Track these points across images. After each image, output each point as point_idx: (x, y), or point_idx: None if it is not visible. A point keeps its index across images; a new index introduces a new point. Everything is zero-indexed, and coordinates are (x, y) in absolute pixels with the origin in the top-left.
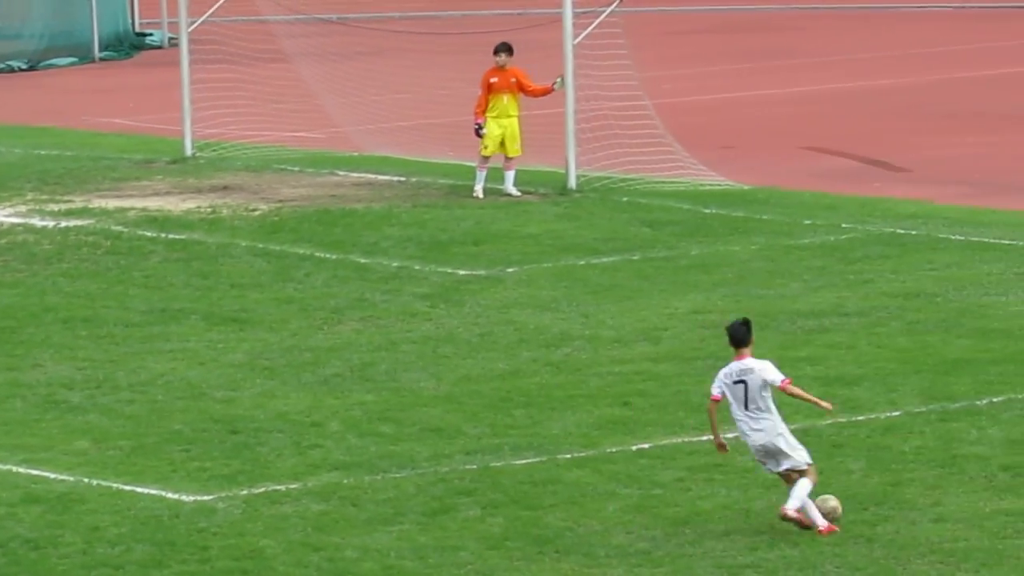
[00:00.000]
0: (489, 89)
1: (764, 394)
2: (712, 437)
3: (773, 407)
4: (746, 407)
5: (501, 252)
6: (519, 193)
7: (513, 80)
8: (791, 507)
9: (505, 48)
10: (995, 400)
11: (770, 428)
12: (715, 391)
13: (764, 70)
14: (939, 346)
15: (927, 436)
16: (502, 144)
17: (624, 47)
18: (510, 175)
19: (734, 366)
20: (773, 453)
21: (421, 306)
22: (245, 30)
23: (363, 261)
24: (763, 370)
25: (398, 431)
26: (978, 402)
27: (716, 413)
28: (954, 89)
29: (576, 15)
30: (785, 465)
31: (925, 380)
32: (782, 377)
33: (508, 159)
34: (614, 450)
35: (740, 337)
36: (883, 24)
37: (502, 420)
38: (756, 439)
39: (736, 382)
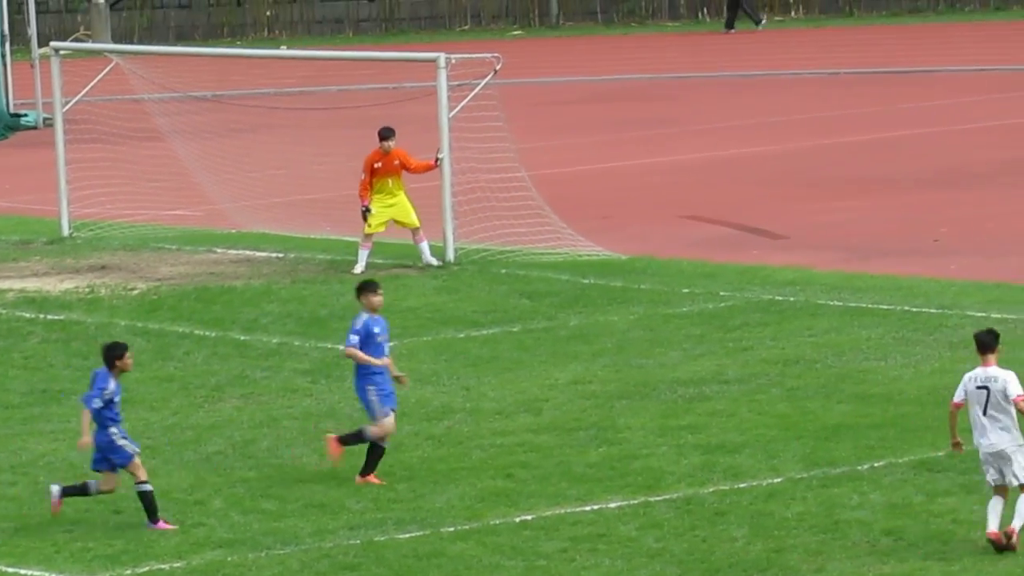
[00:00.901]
0: (373, 173)
1: (1005, 402)
2: (950, 437)
3: (1014, 416)
4: (985, 412)
5: None
6: (438, 262)
7: (397, 162)
8: (1017, 525)
9: (391, 133)
10: (876, 465)
11: (1008, 437)
12: (957, 396)
13: (640, 139)
14: (819, 412)
15: (809, 502)
16: (394, 220)
17: (500, 119)
18: (423, 246)
19: (979, 372)
20: (1004, 461)
21: (302, 382)
22: (120, 109)
23: (243, 338)
24: (1007, 380)
25: (281, 507)
26: (859, 467)
27: (954, 417)
28: (827, 155)
29: (451, 88)
30: (1009, 477)
31: (806, 446)
32: (1019, 392)
33: (414, 232)
34: (497, 522)
35: (987, 344)
36: (755, 91)
37: (385, 494)
38: (992, 444)
39: (979, 387)
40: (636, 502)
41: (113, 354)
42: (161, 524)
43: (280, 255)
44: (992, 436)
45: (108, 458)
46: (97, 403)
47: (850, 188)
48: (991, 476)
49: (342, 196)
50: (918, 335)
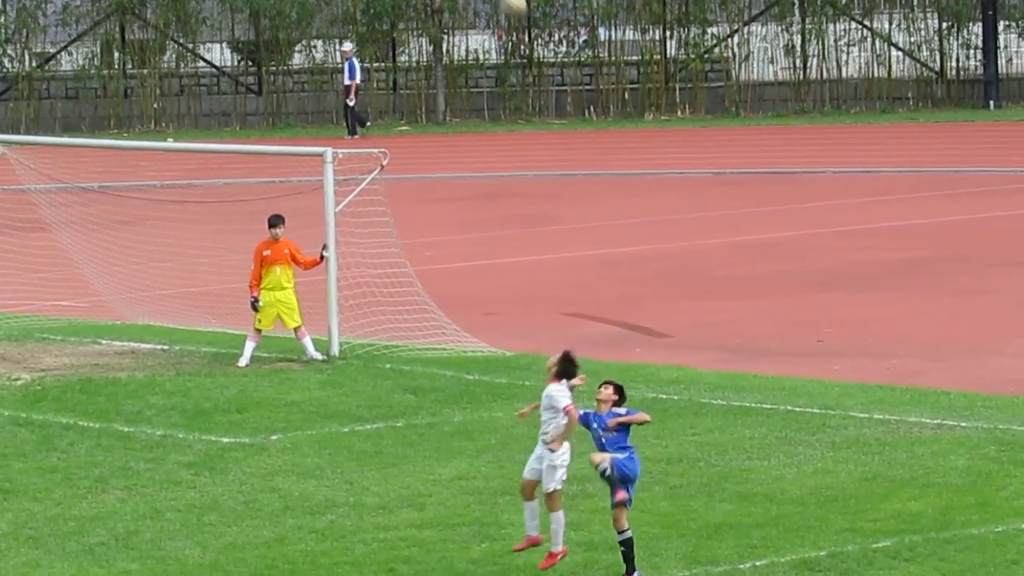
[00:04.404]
0: (262, 262)
1: None
2: None
3: None
4: None
5: (265, 419)
6: (321, 357)
7: (286, 251)
8: None
9: (280, 220)
10: (758, 564)
11: None
12: None
13: (524, 236)
14: (702, 510)
15: None
16: (279, 318)
17: (386, 214)
18: (306, 342)
19: None
20: None
21: (185, 474)
22: (5, 199)
23: (127, 430)
24: None
25: None
26: (741, 566)
27: None
28: (711, 255)
29: (338, 182)
30: None
31: (688, 544)
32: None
33: (296, 330)
34: None
35: None
36: (641, 190)
37: None
38: None
39: None
40: None
41: None
42: None
43: (165, 347)
44: None
45: None
46: None
47: (734, 288)
48: None
49: (227, 289)
50: (801, 435)
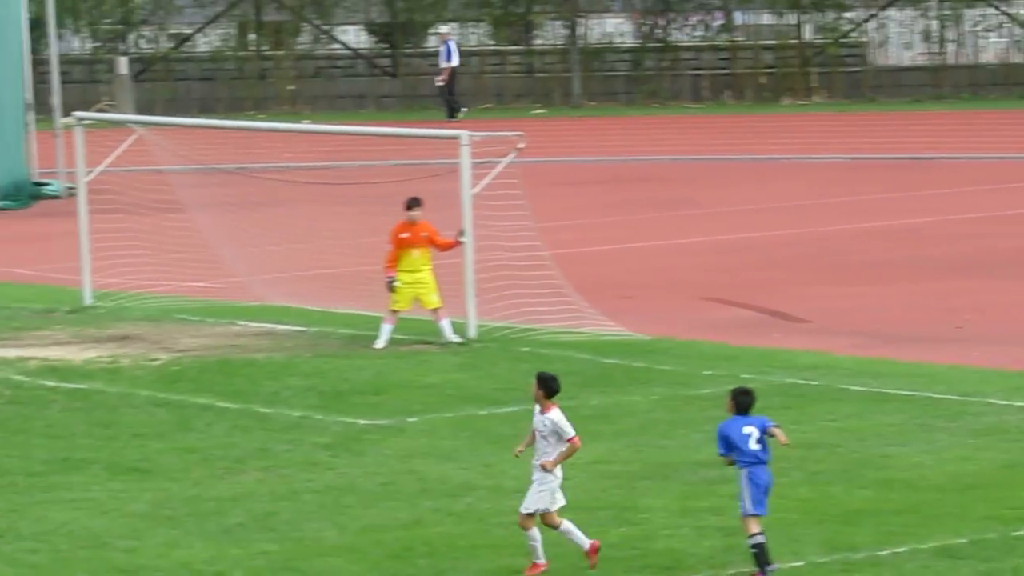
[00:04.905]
0: (399, 244)
1: None
2: None
3: None
4: None
5: (402, 402)
6: (459, 339)
7: (424, 234)
8: None
9: (417, 203)
10: (898, 550)
11: None
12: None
13: (660, 220)
14: (841, 496)
15: None
16: (417, 299)
17: (522, 197)
18: (444, 324)
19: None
20: None
21: (323, 455)
22: (143, 180)
23: (264, 411)
24: None
25: None
26: (880, 552)
27: None
28: (849, 240)
29: (474, 165)
30: None
31: (828, 530)
32: None
33: (433, 311)
34: None
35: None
36: (777, 175)
37: (405, 570)
38: None
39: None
40: None
41: None
42: None
43: (302, 329)
44: None
45: None
46: None
47: (871, 273)
48: None
49: (364, 271)
50: (940, 422)
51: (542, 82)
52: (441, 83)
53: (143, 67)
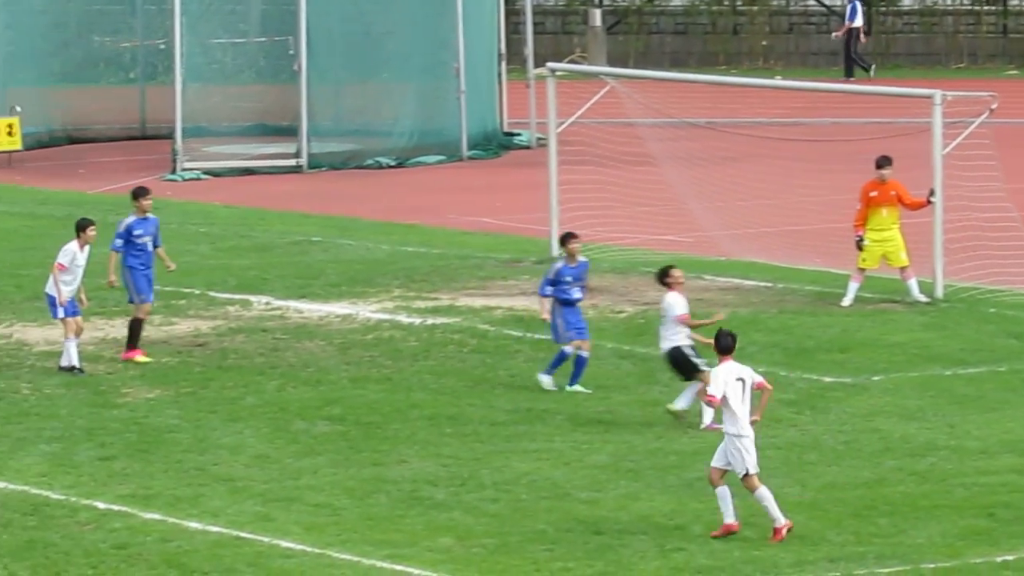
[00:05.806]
0: (868, 202)
1: None
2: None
3: None
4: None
5: (867, 360)
6: (926, 299)
7: (893, 193)
8: None
9: (888, 162)
10: None
11: None
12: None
13: None
14: None
15: None
16: (884, 257)
17: (993, 158)
18: (911, 283)
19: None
20: None
21: (786, 412)
22: (612, 132)
23: None
24: None
25: (761, 537)
26: None
27: None
28: None
29: (946, 125)
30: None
31: None
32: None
33: (901, 270)
34: (978, 561)
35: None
36: None
37: (866, 528)
38: None
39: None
40: None
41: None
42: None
43: (768, 285)
44: None
45: None
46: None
47: None
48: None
49: (831, 228)
50: None
51: (1017, 43)
52: (836, 37)
53: (616, 19)
